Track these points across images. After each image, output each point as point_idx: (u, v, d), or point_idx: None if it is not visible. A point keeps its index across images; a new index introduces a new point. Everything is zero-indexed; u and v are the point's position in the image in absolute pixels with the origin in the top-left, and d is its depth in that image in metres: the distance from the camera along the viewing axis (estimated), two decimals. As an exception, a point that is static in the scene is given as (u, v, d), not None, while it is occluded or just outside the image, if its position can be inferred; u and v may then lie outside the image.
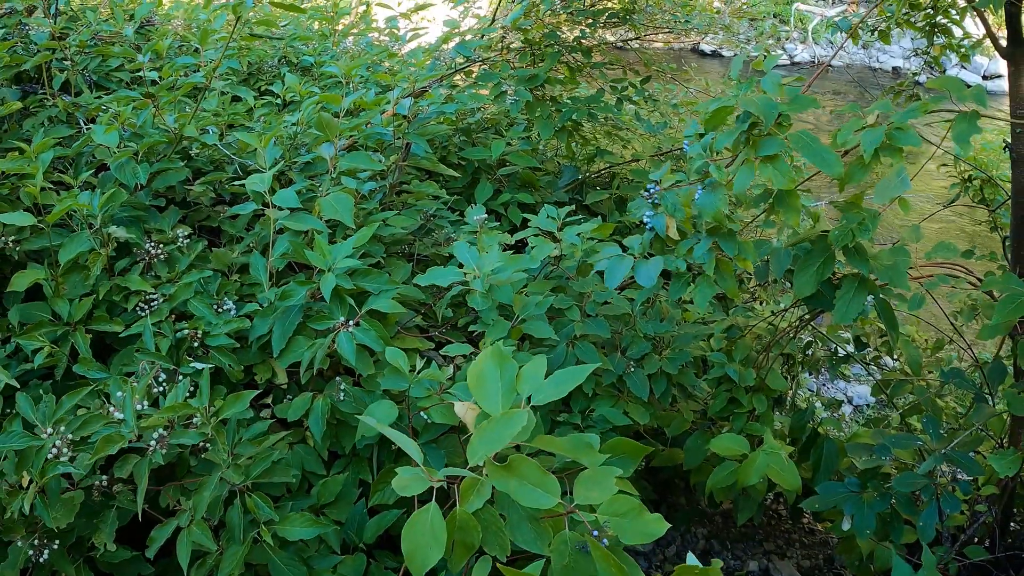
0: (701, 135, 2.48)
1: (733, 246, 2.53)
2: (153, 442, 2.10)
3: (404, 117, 3.39)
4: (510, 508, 1.65)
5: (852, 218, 2.46)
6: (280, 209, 2.75)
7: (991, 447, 3.05)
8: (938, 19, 4.25)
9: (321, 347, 2.50)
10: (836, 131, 2.34)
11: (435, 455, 2.47)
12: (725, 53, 16.12)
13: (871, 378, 4.09)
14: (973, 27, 5.30)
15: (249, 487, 2.28)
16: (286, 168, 3.10)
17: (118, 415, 2.13)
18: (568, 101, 4.37)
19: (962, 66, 13.37)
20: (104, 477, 2.23)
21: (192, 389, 2.43)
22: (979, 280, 2.96)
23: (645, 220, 2.64)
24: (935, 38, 4.34)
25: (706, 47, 16.34)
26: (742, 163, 2.34)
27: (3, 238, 2.64)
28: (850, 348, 3.72)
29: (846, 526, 2.85)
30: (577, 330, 2.89)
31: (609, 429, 2.84)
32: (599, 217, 3.39)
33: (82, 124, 3.28)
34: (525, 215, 3.63)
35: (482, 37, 4.35)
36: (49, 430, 2.09)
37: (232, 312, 2.71)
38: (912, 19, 4.29)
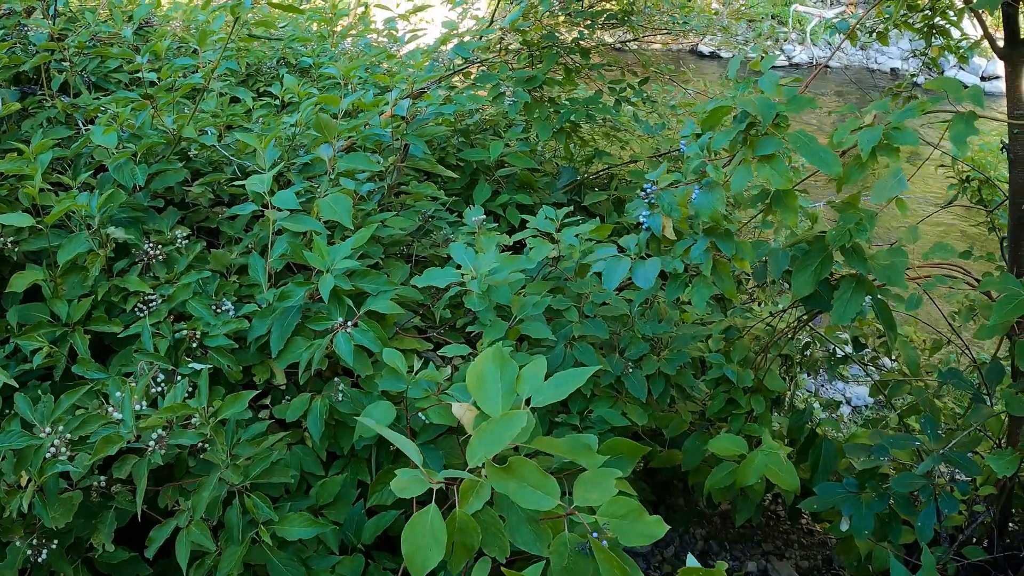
0: (698, 135, 2.49)
1: (730, 246, 2.53)
2: (152, 442, 2.10)
3: (402, 118, 3.39)
4: (509, 509, 1.65)
5: (849, 218, 2.46)
6: (279, 210, 2.75)
7: (989, 447, 3.05)
8: (936, 20, 4.25)
9: (319, 348, 2.50)
10: (834, 131, 2.34)
11: (433, 456, 2.47)
12: (723, 54, 16.13)
13: (869, 379, 4.10)
14: (971, 28, 5.31)
15: (248, 487, 2.29)
16: (284, 169, 3.11)
17: (117, 415, 2.13)
18: (566, 102, 4.37)
19: (960, 67, 13.38)
20: (103, 477, 2.23)
21: (191, 390, 2.43)
22: (977, 281, 2.97)
23: (642, 220, 2.64)
24: (933, 39, 4.35)
25: (704, 48, 16.35)
26: (739, 163, 2.35)
27: (2, 239, 2.64)
28: (848, 349, 3.72)
29: (844, 527, 2.85)
30: (575, 331, 2.89)
31: (607, 430, 2.84)
32: (597, 218, 3.39)
33: (81, 125, 3.28)
34: (523, 216, 3.62)
35: (480, 38, 4.36)
36: (47, 429, 2.09)
37: (231, 313, 2.71)
38: (910, 20, 4.30)
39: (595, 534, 1.53)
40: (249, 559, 2.24)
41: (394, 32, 5.25)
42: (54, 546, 2.15)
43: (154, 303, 2.67)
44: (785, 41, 17.22)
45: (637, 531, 1.52)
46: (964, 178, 4.34)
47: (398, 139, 3.39)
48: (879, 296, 2.66)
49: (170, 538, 2.18)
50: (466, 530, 1.54)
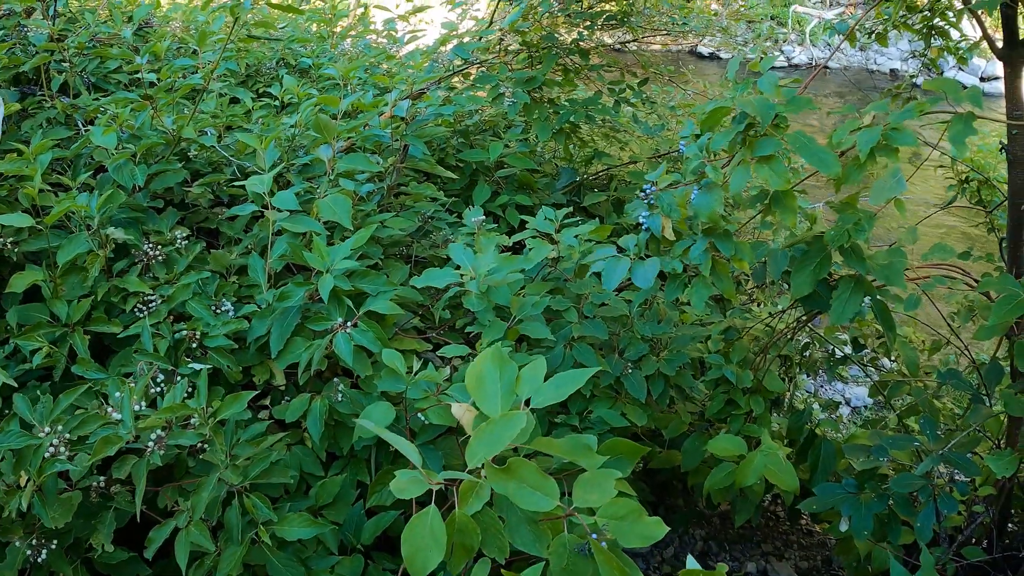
0: (697, 136, 2.49)
1: (729, 247, 2.53)
2: (151, 443, 2.10)
3: (402, 119, 3.40)
4: (509, 510, 1.65)
5: (848, 219, 2.46)
6: (279, 211, 2.76)
7: (988, 448, 3.05)
8: (935, 21, 4.25)
9: (319, 348, 2.50)
10: (833, 131, 2.35)
11: (432, 456, 2.47)
12: (723, 55, 16.14)
13: (868, 379, 4.10)
14: (970, 29, 5.32)
15: (247, 488, 2.29)
16: (284, 170, 3.11)
17: (116, 416, 2.13)
18: (566, 103, 4.37)
19: (960, 68, 13.40)
20: (102, 478, 2.23)
21: (190, 390, 2.43)
22: (976, 281, 2.97)
23: (641, 220, 2.64)
24: (932, 40, 4.35)
25: (704, 49, 16.35)
26: (738, 164, 2.35)
27: (2, 239, 2.64)
28: (847, 349, 3.72)
29: (844, 527, 2.85)
30: (575, 331, 2.89)
31: (607, 431, 2.84)
32: (597, 219, 3.39)
33: (80, 126, 3.29)
34: (523, 217, 3.63)
35: (480, 39, 4.36)
36: (47, 429, 2.09)
37: (230, 313, 2.71)
38: (909, 21, 4.30)
39: (594, 535, 1.53)
40: (249, 559, 2.24)
41: (393, 33, 5.25)
42: (53, 546, 2.15)
43: (154, 303, 2.67)
44: (784, 42, 17.22)
45: (636, 532, 1.52)
46: (963, 179, 4.35)
47: (397, 140, 3.39)
48: (878, 296, 2.66)
49: (169, 538, 2.18)
50: (466, 531, 1.54)
